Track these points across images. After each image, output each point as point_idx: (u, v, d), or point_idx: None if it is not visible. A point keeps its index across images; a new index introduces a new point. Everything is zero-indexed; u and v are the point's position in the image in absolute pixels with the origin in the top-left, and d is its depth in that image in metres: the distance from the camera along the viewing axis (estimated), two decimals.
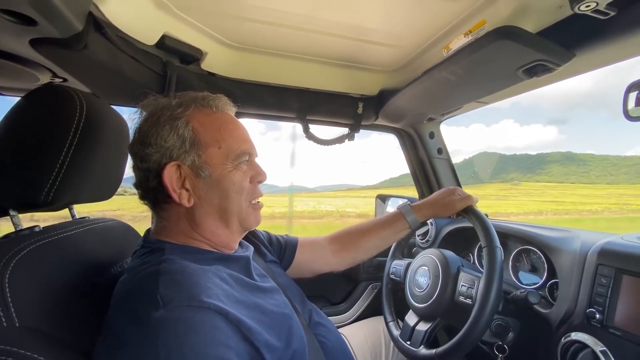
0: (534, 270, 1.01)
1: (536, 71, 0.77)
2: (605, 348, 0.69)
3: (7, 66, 0.80)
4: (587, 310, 0.74)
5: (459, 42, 0.85)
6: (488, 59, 0.76)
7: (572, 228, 0.99)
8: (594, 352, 0.70)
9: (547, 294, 0.92)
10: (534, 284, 0.98)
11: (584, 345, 0.72)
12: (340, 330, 1.15)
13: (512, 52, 0.72)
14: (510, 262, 1.06)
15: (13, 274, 0.48)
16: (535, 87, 0.97)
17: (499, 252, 0.79)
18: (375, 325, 1.24)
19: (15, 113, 0.59)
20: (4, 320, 0.45)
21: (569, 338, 0.75)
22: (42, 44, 0.69)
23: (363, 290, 1.44)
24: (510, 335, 0.84)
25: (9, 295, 0.46)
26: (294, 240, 0.93)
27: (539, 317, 0.87)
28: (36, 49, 0.71)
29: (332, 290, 1.44)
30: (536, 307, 0.88)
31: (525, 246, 1.03)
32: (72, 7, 0.60)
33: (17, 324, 0.46)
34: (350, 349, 1.10)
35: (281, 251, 0.89)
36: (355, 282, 1.45)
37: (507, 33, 0.68)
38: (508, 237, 1.08)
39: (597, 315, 0.72)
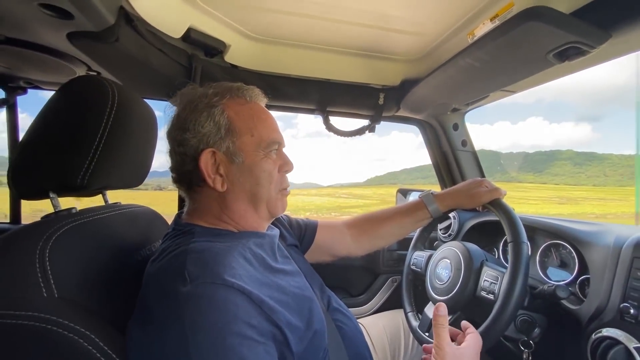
0: (563, 265, 0.97)
1: (568, 54, 0.73)
2: (639, 344, 0.65)
3: (46, 60, 0.85)
4: (621, 305, 0.70)
5: (484, 27, 0.82)
6: (516, 43, 0.73)
7: (606, 222, 0.94)
8: (626, 349, 0.66)
9: (577, 290, 0.88)
10: (564, 280, 0.93)
11: (615, 342, 0.68)
12: (359, 321, 1.15)
13: (543, 35, 0.69)
14: (537, 257, 1.02)
15: (53, 249, 0.52)
16: (567, 72, 0.92)
17: (526, 247, 0.76)
18: (394, 318, 1.23)
19: (54, 102, 0.63)
20: (44, 290, 0.48)
21: (599, 334, 0.72)
22: (78, 37, 0.74)
23: (383, 283, 1.43)
24: (537, 330, 0.81)
25: (49, 268, 0.50)
26: (314, 223, 0.94)
27: (567, 314, 0.83)
28: (72, 42, 0.75)
29: (352, 282, 1.44)
30: (565, 303, 0.84)
31: (554, 240, 0.99)
32: (105, 1, 0.64)
33: (56, 295, 0.49)
34: (369, 339, 1.10)
35: (301, 234, 0.91)
36: (375, 275, 1.45)
37: (536, 14, 0.65)
38: (536, 231, 1.04)
39: (632, 311, 0.68)
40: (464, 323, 0.72)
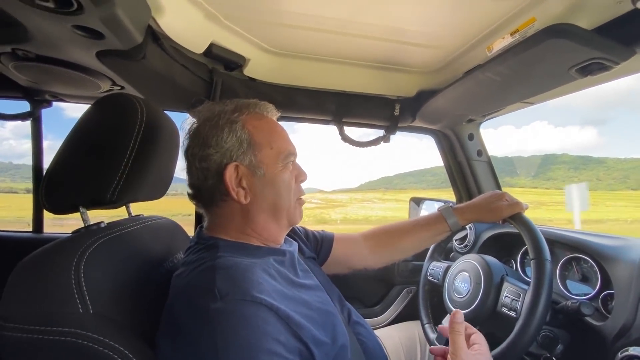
0: (584, 280, 0.95)
1: (591, 70, 0.72)
2: None
3: (75, 76, 0.88)
4: None
5: (504, 41, 0.82)
6: (538, 58, 0.73)
7: (629, 236, 0.92)
8: None
9: (600, 305, 0.87)
10: (585, 294, 0.92)
11: None
12: (374, 332, 1.15)
13: (565, 51, 0.69)
14: (557, 271, 1.00)
15: (87, 265, 0.53)
16: (589, 85, 0.91)
17: (549, 265, 0.75)
18: (410, 330, 1.23)
19: (85, 119, 0.65)
20: (80, 307, 0.50)
21: (626, 353, 0.70)
22: (107, 55, 0.76)
23: (398, 293, 1.42)
24: (559, 347, 0.80)
25: (84, 284, 0.51)
26: (330, 236, 0.94)
27: (590, 330, 0.82)
28: (101, 60, 0.78)
29: (367, 292, 1.43)
30: (588, 319, 0.83)
31: (575, 254, 0.97)
32: (135, 21, 0.66)
33: (91, 311, 0.50)
34: (385, 351, 1.09)
35: (317, 246, 0.91)
36: (390, 286, 1.44)
37: (560, 31, 0.65)
38: (555, 244, 1.03)
39: None
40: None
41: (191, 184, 0.67)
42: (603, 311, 0.86)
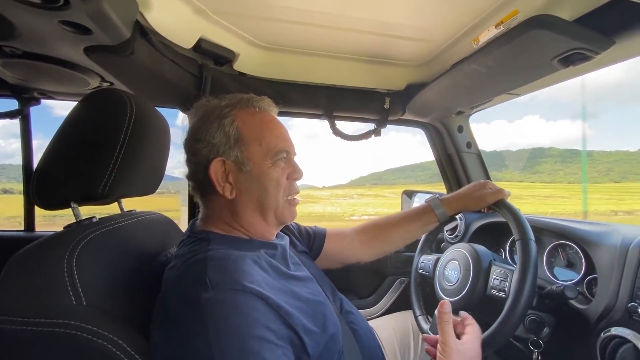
0: (570, 265, 0.98)
1: (573, 60, 0.74)
2: None
3: (61, 72, 0.88)
4: (629, 305, 0.72)
5: (489, 33, 0.84)
6: (521, 49, 0.75)
7: (611, 222, 0.95)
8: (635, 347, 0.68)
9: (585, 290, 0.90)
10: (571, 280, 0.95)
11: (624, 340, 0.70)
12: (368, 322, 1.16)
13: (547, 42, 0.70)
14: (544, 258, 1.03)
15: (79, 258, 0.54)
16: (572, 76, 0.93)
17: (533, 244, 0.78)
18: (403, 319, 1.25)
19: (75, 114, 0.65)
20: (73, 299, 0.51)
21: (608, 333, 0.73)
22: (95, 51, 0.76)
23: (390, 284, 1.44)
24: (546, 330, 0.82)
25: (77, 277, 0.52)
26: (323, 231, 0.95)
27: (575, 313, 0.85)
28: (89, 56, 0.78)
29: (360, 284, 1.45)
30: (573, 302, 0.85)
31: (561, 241, 1.00)
32: (122, 16, 0.66)
33: (84, 302, 0.51)
34: (379, 341, 1.11)
35: (310, 242, 0.92)
36: (383, 277, 1.46)
37: (541, 22, 0.67)
38: (542, 231, 1.06)
39: None
40: (462, 313, 0.72)
41: (187, 177, 0.70)
42: (587, 295, 0.89)
